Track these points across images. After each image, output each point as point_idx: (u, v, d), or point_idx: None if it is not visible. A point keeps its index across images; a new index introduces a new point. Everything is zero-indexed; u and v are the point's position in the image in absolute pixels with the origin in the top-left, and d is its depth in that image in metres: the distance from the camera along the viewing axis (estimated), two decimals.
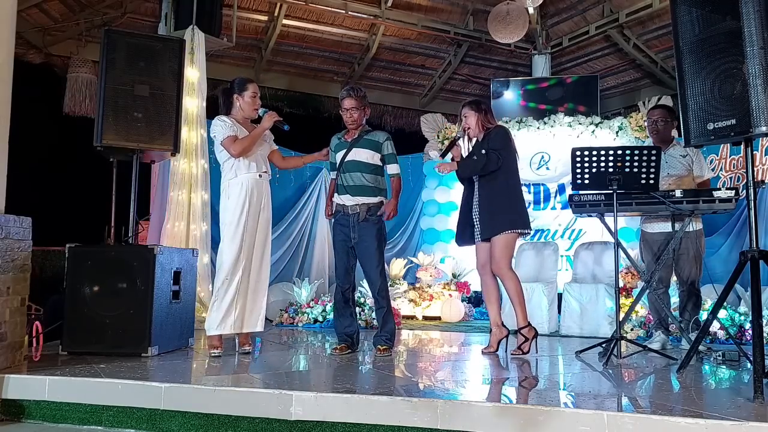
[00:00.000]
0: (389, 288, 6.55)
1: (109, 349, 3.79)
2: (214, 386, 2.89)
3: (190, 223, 5.82)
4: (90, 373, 3.21)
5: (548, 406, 2.53)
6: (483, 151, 4.14)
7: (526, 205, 7.44)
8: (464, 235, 4.29)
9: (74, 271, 3.88)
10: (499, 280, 4.19)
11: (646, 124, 4.65)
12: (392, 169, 4.18)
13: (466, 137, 4.32)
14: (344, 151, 4.11)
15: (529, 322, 4.14)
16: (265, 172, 4.07)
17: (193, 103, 5.90)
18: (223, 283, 3.86)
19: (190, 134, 5.83)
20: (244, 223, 3.90)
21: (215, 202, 5.78)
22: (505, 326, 4.23)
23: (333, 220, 4.21)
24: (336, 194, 4.15)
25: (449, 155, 4.38)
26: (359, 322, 5.93)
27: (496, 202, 4.09)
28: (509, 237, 4.06)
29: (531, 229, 4.24)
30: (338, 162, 4.12)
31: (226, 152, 3.93)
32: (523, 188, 7.47)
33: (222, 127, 3.96)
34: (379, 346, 4.08)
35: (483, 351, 4.27)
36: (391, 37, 9.02)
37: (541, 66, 9.27)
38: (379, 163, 4.14)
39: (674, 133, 4.62)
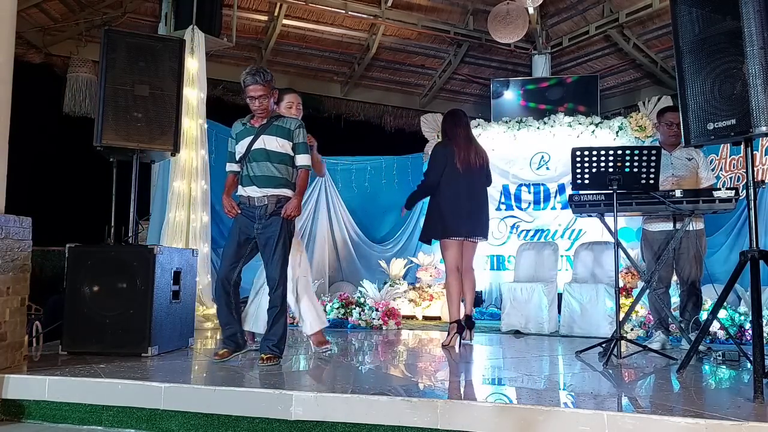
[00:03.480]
0: (389, 288, 6.59)
1: (109, 349, 3.79)
2: (214, 386, 2.89)
3: (191, 213, 5.85)
4: (90, 373, 3.21)
5: (548, 406, 2.53)
6: None
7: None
8: None
9: (74, 271, 3.87)
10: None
11: (659, 126, 4.62)
12: (301, 159, 3.76)
13: None
14: (251, 138, 3.71)
15: (457, 320, 4.61)
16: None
17: (193, 94, 5.91)
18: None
19: (191, 125, 5.85)
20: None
21: (214, 194, 5.88)
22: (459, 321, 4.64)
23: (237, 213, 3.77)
24: (240, 186, 3.76)
25: None
26: (360, 322, 5.96)
27: (426, 213, 4.80)
28: (441, 243, 4.72)
29: (437, 239, 4.77)
30: (244, 150, 3.72)
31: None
32: (523, 188, 7.65)
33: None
34: (262, 355, 3.63)
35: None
36: (391, 37, 9.02)
37: (541, 66, 9.26)
38: (291, 153, 3.74)
39: None
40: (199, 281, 5.44)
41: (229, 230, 3.79)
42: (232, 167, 3.82)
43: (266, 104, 3.70)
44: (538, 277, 5.84)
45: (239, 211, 3.72)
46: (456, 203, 4.56)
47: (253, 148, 3.69)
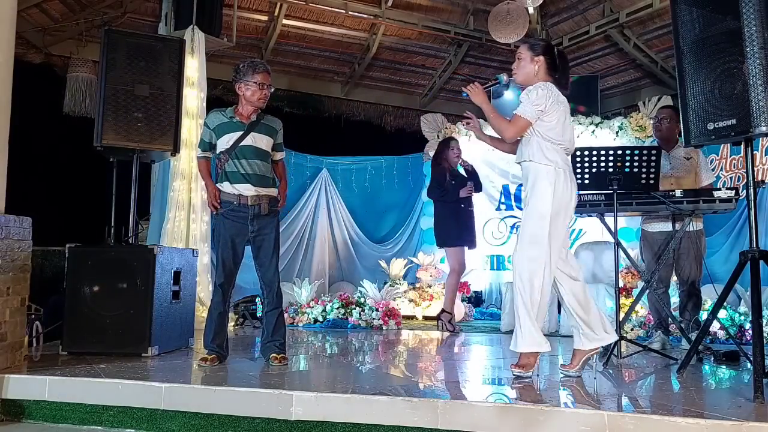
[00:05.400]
0: (389, 288, 6.59)
1: (109, 349, 3.79)
2: (214, 386, 2.89)
3: (191, 221, 5.83)
4: (90, 373, 3.21)
5: (548, 406, 2.53)
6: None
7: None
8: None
9: (74, 271, 3.87)
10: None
11: (652, 122, 4.66)
12: (281, 155, 3.85)
13: None
14: (240, 133, 3.59)
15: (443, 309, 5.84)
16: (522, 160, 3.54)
17: (193, 95, 5.90)
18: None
19: (191, 129, 5.84)
20: None
21: None
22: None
23: (219, 212, 3.63)
24: (227, 182, 3.61)
25: None
26: (360, 322, 5.96)
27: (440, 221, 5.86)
28: (452, 248, 5.77)
29: (453, 246, 5.73)
30: (230, 146, 3.58)
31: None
32: (523, 188, 7.61)
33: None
34: (275, 355, 3.61)
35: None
36: (391, 36, 9.02)
37: None
38: (271, 151, 3.76)
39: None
40: (200, 289, 5.43)
41: (216, 234, 3.69)
42: (206, 153, 3.74)
43: (268, 95, 3.68)
44: None
45: (219, 208, 3.60)
46: (465, 216, 5.70)
47: (242, 144, 3.59)
